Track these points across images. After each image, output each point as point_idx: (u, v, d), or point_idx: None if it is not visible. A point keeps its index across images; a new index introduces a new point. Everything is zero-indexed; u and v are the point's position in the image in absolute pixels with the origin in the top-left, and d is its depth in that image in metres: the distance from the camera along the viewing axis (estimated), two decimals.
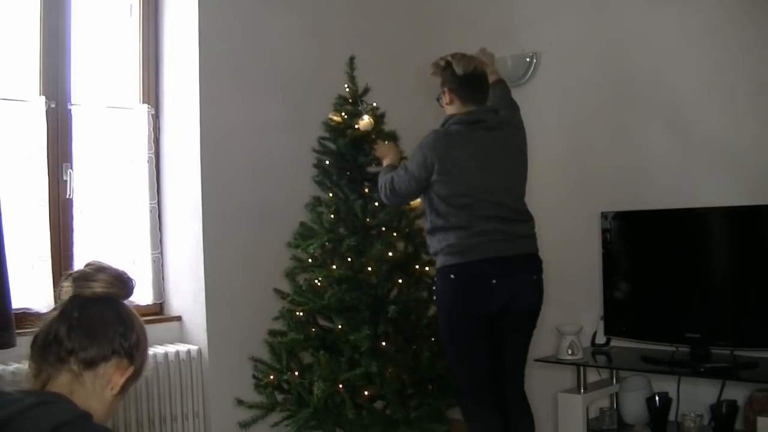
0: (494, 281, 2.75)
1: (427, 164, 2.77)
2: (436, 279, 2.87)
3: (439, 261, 2.81)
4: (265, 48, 3.76)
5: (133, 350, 1.30)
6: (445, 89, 2.88)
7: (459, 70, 2.81)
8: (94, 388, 1.25)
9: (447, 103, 2.89)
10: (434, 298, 2.92)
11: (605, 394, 3.48)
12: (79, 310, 1.28)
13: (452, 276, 2.76)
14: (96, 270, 1.32)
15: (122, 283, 1.38)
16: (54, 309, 1.31)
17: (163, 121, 3.68)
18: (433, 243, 2.84)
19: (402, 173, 2.86)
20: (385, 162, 3.08)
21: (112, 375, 1.26)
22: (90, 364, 1.27)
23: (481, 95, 2.87)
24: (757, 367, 2.98)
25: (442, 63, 2.87)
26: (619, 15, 3.64)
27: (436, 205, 2.80)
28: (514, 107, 3.10)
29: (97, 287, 1.29)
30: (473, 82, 2.84)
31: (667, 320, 3.32)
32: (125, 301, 1.38)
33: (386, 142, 3.16)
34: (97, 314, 1.28)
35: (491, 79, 3.05)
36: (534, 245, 2.89)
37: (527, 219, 2.90)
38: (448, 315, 2.82)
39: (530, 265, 2.86)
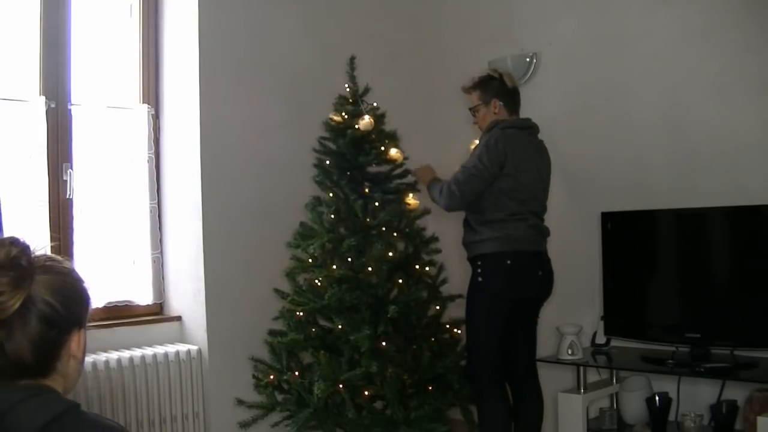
0: (540, 273, 3.12)
1: (500, 160, 3.01)
2: (480, 264, 3.08)
3: (490, 246, 3.05)
4: (266, 48, 3.76)
5: (79, 314, 1.26)
6: (494, 100, 3.15)
7: (510, 83, 3.17)
8: (63, 368, 1.25)
9: (495, 113, 3.15)
10: (478, 279, 3.08)
11: (605, 394, 3.48)
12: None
13: (508, 262, 3.04)
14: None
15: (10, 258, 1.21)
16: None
17: (163, 121, 3.68)
18: (485, 231, 3.05)
19: (468, 174, 3.04)
20: (427, 181, 3.27)
21: (71, 348, 1.26)
22: None
23: (519, 107, 3.22)
24: (757, 367, 2.98)
25: (496, 74, 3.17)
26: (619, 15, 3.64)
27: (497, 199, 3.04)
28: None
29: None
30: (517, 94, 3.21)
31: (667, 320, 3.32)
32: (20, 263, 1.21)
33: (421, 166, 3.34)
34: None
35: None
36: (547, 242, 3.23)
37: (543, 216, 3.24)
38: (491, 297, 3.05)
39: (549, 262, 3.20)
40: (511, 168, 3.03)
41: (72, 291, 1.25)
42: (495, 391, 3.10)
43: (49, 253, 1.27)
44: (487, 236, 3.06)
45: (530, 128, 3.20)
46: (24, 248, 1.20)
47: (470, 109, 3.23)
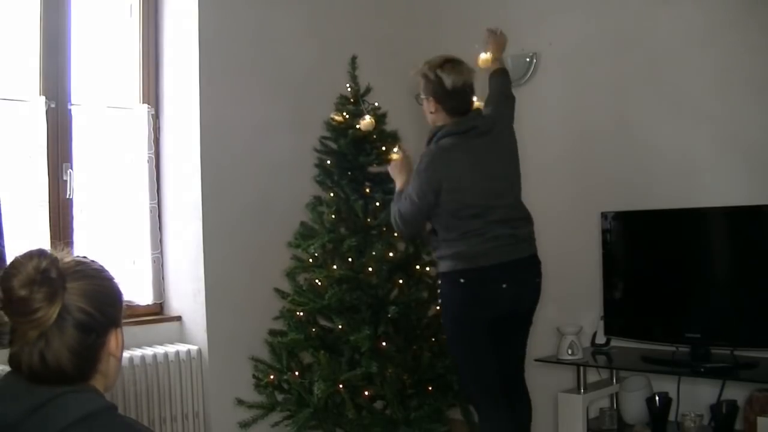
0: (504, 285, 2.78)
1: (433, 188, 2.75)
2: (440, 282, 2.87)
3: (446, 265, 2.81)
4: (266, 48, 3.76)
5: (114, 314, 1.27)
6: (430, 98, 2.83)
7: (449, 83, 2.77)
8: (104, 368, 1.26)
9: (431, 112, 2.85)
10: (439, 301, 2.92)
11: (605, 394, 3.48)
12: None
13: (462, 281, 2.77)
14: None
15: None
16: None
17: (163, 121, 3.68)
18: (441, 248, 2.83)
19: (408, 204, 2.82)
20: (397, 184, 2.97)
21: (110, 348, 1.26)
22: None
23: (466, 105, 2.84)
24: (757, 367, 2.98)
25: (431, 75, 2.80)
26: (619, 15, 3.64)
27: (445, 220, 2.79)
28: (508, 101, 3.05)
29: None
30: (463, 95, 2.81)
31: (667, 320, 3.32)
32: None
33: (397, 156, 3.04)
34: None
35: (492, 67, 3.05)
36: (535, 246, 2.91)
37: (529, 220, 2.91)
38: (457, 319, 2.82)
39: (534, 267, 2.89)
40: (451, 188, 2.75)
41: (105, 293, 1.25)
42: (497, 412, 2.84)
43: (75, 255, 1.26)
44: (442, 254, 2.83)
45: (472, 130, 2.81)
46: (52, 259, 1.19)
47: (415, 96, 2.96)
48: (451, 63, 2.82)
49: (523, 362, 3.05)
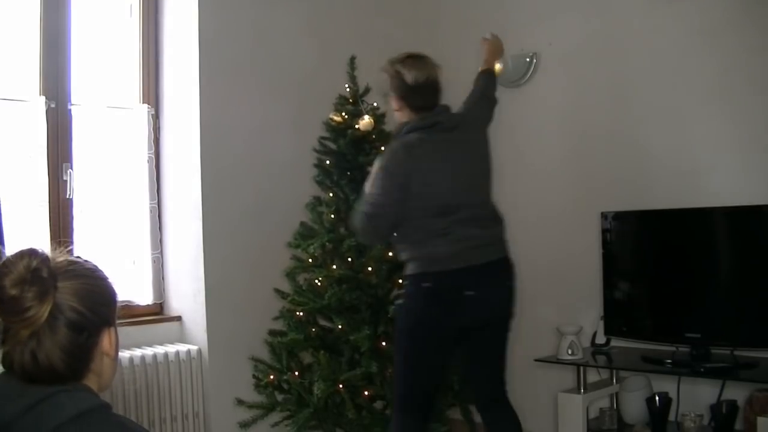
0: (469, 293, 2.58)
1: (397, 183, 2.58)
2: (406, 284, 2.70)
3: (411, 267, 2.64)
4: (266, 48, 3.76)
5: (107, 314, 1.27)
6: (394, 95, 2.70)
7: (410, 78, 2.65)
8: (97, 368, 1.26)
9: (396, 110, 2.73)
10: (400, 302, 2.72)
11: (605, 394, 3.48)
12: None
13: (425, 285, 2.59)
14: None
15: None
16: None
17: (163, 121, 3.68)
18: (408, 250, 2.65)
19: (370, 206, 2.62)
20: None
21: (104, 347, 1.26)
22: None
23: (433, 101, 2.70)
24: (757, 367, 2.98)
25: (392, 70, 2.69)
26: (618, 15, 3.64)
27: (413, 219, 2.61)
28: (483, 101, 2.92)
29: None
30: (426, 91, 2.68)
31: (667, 320, 3.32)
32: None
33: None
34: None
35: (481, 68, 3.00)
36: (506, 248, 2.73)
37: (498, 220, 2.73)
38: (413, 323, 2.63)
39: (504, 271, 2.70)
40: (415, 184, 2.57)
41: (97, 292, 1.25)
42: (406, 422, 2.66)
43: (69, 255, 1.26)
44: (407, 256, 2.65)
45: (436, 125, 2.66)
46: (43, 258, 1.19)
47: (384, 96, 2.84)
48: (412, 58, 2.70)
49: (503, 375, 2.80)
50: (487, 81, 2.98)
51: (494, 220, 2.72)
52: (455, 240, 2.58)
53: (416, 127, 2.66)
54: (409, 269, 2.66)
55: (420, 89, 2.66)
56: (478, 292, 2.58)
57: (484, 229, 2.65)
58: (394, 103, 2.73)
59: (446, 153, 2.64)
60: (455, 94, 3.25)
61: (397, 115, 2.76)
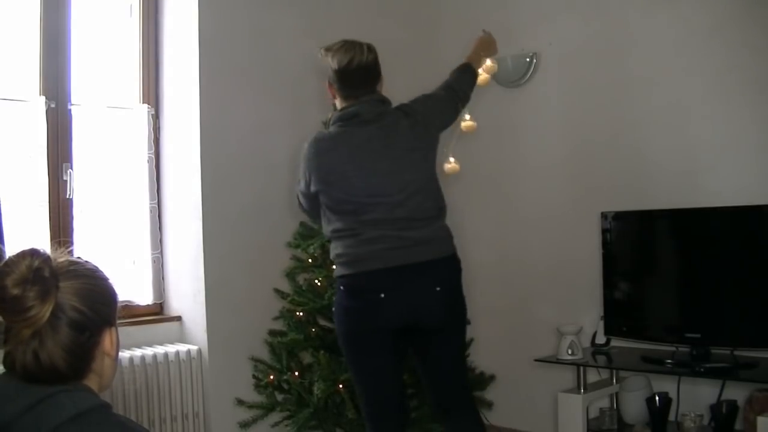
0: (382, 295, 2.43)
1: (306, 178, 2.53)
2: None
3: (335, 270, 2.58)
4: (266, 48, 3.76)
5: (108, 313, 1.27)
6: (328, 82, 2.58)
7: (335, 63, 2.50)
8: (98, 368, 1.26)
9: (332, 98, 2.61)
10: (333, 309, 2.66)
11: (605, 394, 3.48)
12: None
13: (341, 288, 2.51)
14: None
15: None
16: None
17: (163, 121, 3.68)
18: (331, 251, 2.58)
19: (297, 195, 2.65)
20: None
21: (105, 347, 1.27)
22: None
23: (362, 87, 2.53)
24: (757, 367, 2.98)
25: (321, 56, 2.55)
26: (619, 15, 3.64)
27: (326, 214, 2.53)
28: (447, 93, 2.72)
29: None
30: (350, 74, 2.51)
31: (667, 320, 3.32)
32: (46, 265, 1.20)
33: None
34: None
35: (463, 61, 2.83)
36: (439, 250, 2.51)
37: (431, 219, 2.52)
38: (338, 329, 2.58)
39: (432, 274, 2.47)
40: (321, 181, 2.49)
41: (98, 292, 1.25)
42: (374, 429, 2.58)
43: (69, 255, 1.27)
44: (331, 257, 2.58)
45: (354, 117, 2.51)
46: (45, 258, 1.20)
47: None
48: (343, 42, 2.55)
49: (455, 384, 2.62)
50: (459, 74, 2.79)
51: (423, 220, 2.49)
52: (364, 241, 2.45)
53: (335, 120, 2.56)
54: (334, 271, 2.61)
55: (344, 74, 2.50)
56: (392, 294, 2.43)
57: (402, 231, 2.45)
58: (329, 90, 2.61)
59: (356, 149, 2.48)
60: None
61: (335, 104, 2.63)
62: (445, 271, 2.52)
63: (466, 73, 2.81)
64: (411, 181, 2.49)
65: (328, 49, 2.54)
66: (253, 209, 3.67)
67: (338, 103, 2.59)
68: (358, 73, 2.51)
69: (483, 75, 2.95)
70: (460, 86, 2.77)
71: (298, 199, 2.68)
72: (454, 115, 2.74)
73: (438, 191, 2.59)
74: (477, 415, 2.64)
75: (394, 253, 2.44)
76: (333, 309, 2.65)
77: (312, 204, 2.60)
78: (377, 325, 2.47)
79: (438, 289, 2.47)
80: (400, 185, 2.47)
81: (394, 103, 2.65)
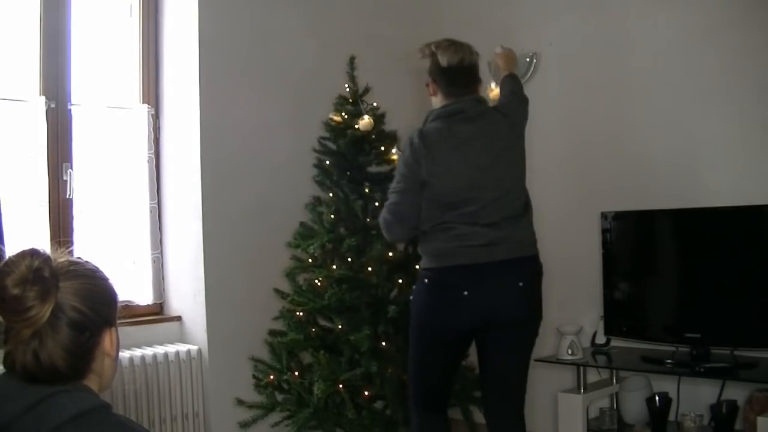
0: (465, 293, 2.49)
1: (413, 166, 2.55)
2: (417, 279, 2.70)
3: (422, 261, 2.64)
4: (266, 48, 3.76)
5: (108, 314, 1.28)
6: (430, 79, 2.67)
7: (444, 61, 2.60)
8: (98, 368, 1.26)
9: (431, 95, 2.68)
10: (411, 297, 2.72)
11: (605, 394, 3.48)
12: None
13: (426, 280, 2.58)
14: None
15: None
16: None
17: (163, 121, 3.68)
18: (420, 243, 2.65)
19: (394, 192, 2.64)
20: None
21: (105, 347, 1.27)
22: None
23: (466, 87, 2.63)
24: (757, 367, 2.98)
25: (427, 51, 2.65)
26: (619, 15, 3.64)
27: (426, 209, 2.58)
28: (515, 96, 2.84)
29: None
30: (459, 74, 2.61)
31: (667, 320, 3.32)
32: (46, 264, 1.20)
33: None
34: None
35: (502, 74, 2.93)
36: (525, 249, 2.60)
37: (519, 217, 2.60)
38: (414, 320, 2.64)
39: (515, 271, 2.54)
40: (430, 173, 2.54)
41: (98, 292, 1.26)
42: (419, 417, 2.69)
43: (69, 255, 1.27)
44: (420, 249, 2.64)
45: (458, 113, 2.59)
46: (45, 258, 1.20)
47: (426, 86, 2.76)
48: (450, 42, 2.65)
49: (516, 391, 2.66)
50: (512, 82, 2.90)
51: (513, 218, 2.57)
52: (456, 236, 2.52)
53: (438, 116, 2.62)
54: (421, 263, 2.66)
55: (452, 72, 2.60)
56: (476, 293, 2.49)
57: (492, 227, 2.52)
58: (430, 88, 2.68)
59: (461, 144, 2.56)
60: None
61: (432, 101, 2.70)
62: (528, 268, 2.59)
63: (515, 80, 2.92)
64: (506, 178, 2.60)
65: (437, 47, 2.63)
66: (253, 209, 3.67)
67: (438, 101, 2.66)
68: (464, 73, 2.62)
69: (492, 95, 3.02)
70: (520, 92, 2.89)
71: (388, 212, 2.64)
72: (527, 118, 2.85)
73: (526, 191, 2.69)
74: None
75: (479, 249, 2.50)
76: (411, 298, 2.69)
77: (414, 202, 2.58)
78: (456, 323, 2.55)
79: (521, 284, 2.54)
80: (498, 181, 2.57)
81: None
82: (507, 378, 2.65)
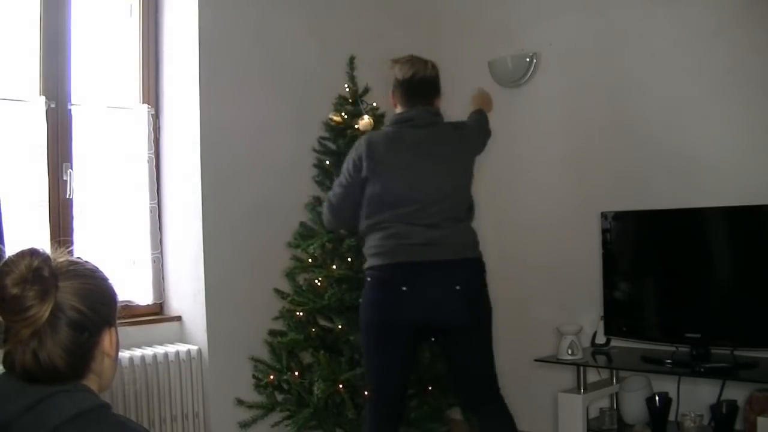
0: (404, 288, 2.56)
1: (356, 164, 2.69)
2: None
3: (366, 263, 2.73)
4: (265, 48, 3.76)
5: (108, 314, 1.27)
6: (390, 91, 2.82)
7: (400, 74, 2.75)
8: (97, 368, 1.26)
9: (393, 105, 2.84)
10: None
11: (605, 394, 3.48)
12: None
13: (368, 279, 2.68)
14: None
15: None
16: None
17: (163, 121, 3.68)
18: (364, 246, 2.74)
19: (333, 189, 2.82)
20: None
21: (104, 347, 1.27)
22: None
23: (421, 98, 2.75)
24: (757, 367, 2.98)
25: (390, 65, 2.81)
26: (619, 15, 3.64)
27: (365, 207, 2.70)
28: (477, 125, 2.96)
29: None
30: (412, 86, 2.74)
31: (667, 320, 3.32)
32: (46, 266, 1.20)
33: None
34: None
35: (471, 109, 3.06)
36: (466, 250, 2.66)
37: (459, 221, 2.68)
38: (362, 321, 2.72)
39: (453, 273, 2.59)
40: (371, 170, 2.65)
41: (98, 292, 1.26)
42: (373, 423, 2.71)
43: (69, 255, 1.27)
44: (364, 250, 2.75)
45: (408, 120, 2.72)
46: (45, 258, 1.20)
47: None
48: (409, 57, 2.81)
49: (481, 380, 2.70)
50: (479, 115, 3.02)
51: (453, 220, 2.65)
52: (393, 234, 2.62)
53: (392, 122, 2.79)
54: (365, 264, 2.75)
55: (407, 84, 2.74)
56: (414, 289, 2.56)
57: (431, 228, 2.60)
58: (392, 98, 2.83)
59: (406, 147, 2.68)
60: (455, 93, 3.26)
61: (395, 110, 2.84)
62: (467, 271, 2.64)
63: (482, 114, 3.04)
64: (448, 183, 2.68)
65: (395, 61, 2.80)
66: (253, 209, 3.67)
67: (397, 110, 2.81)
68: (419, 85, 2.74)
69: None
70: (485, 126, 3.00)
71: (329, 201, 2.83)
72: (484, 147, 2.96)
73: (470, 197, 2.77)
74: (506, 410, 2.72)
75: (420, 249, 2.58)
76: (360, 300, 2.76)
77: (352, 197, 2.73)
78: (400, 318, 2.61)
79: (458, 288, 2.58)
80: (438, 185, 2.65)
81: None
82: (473, 372, 2.71)
